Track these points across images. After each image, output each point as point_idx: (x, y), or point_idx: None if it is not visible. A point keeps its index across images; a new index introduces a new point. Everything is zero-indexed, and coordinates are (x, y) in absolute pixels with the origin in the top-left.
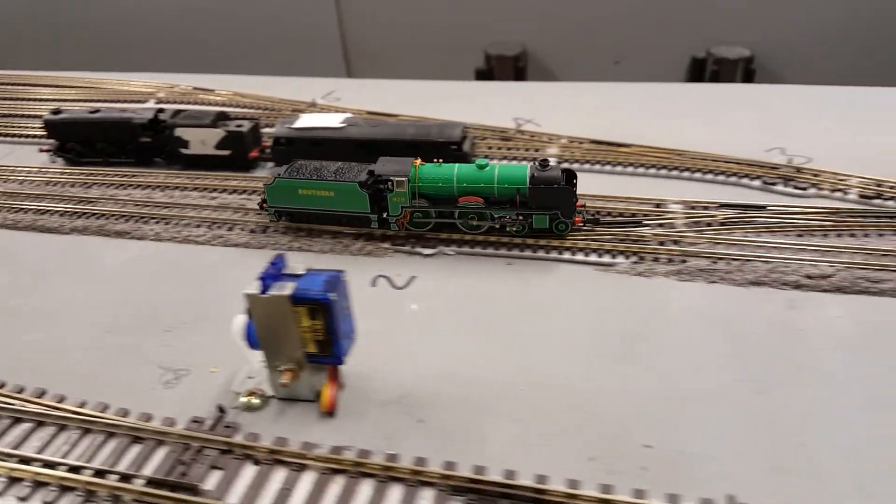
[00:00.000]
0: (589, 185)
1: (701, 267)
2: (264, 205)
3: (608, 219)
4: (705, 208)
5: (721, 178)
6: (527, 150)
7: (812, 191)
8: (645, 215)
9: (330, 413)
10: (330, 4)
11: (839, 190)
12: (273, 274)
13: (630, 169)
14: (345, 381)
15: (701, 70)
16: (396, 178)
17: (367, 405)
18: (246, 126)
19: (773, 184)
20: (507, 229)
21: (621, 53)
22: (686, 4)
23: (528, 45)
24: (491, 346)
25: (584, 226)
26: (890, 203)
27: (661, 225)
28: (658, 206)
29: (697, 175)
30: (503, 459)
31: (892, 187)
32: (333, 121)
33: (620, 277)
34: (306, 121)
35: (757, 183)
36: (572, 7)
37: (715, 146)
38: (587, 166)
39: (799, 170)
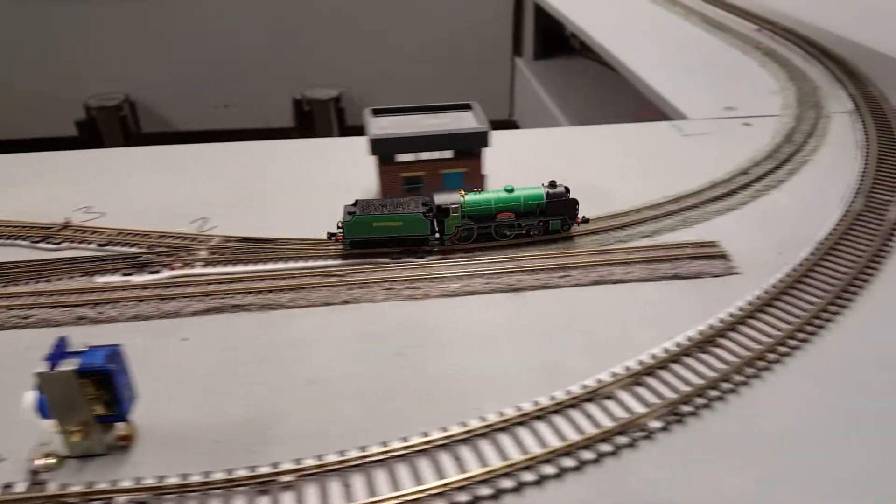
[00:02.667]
0: None
1: None
2: (339, 237)
3: None
4: None
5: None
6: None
7: (66, 244)
8: None
9: None
10: None
11: (85, 241)
12: None
13: None
14: None
15: (302, 110)
16: (452, 206)
17: None
18: None
19: (38, 241)
20: (530, 234)
21: (230, 98)
22: (283, 53)
23: (132, 94)
24: None
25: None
26: (126, 248)
27: None
28: None
29: None
30: None
31: (142, 235)
32: None
33: None
34: None
35: (26, 242)
36: (176, 55)
37: None
38: None
39: (64, 227)
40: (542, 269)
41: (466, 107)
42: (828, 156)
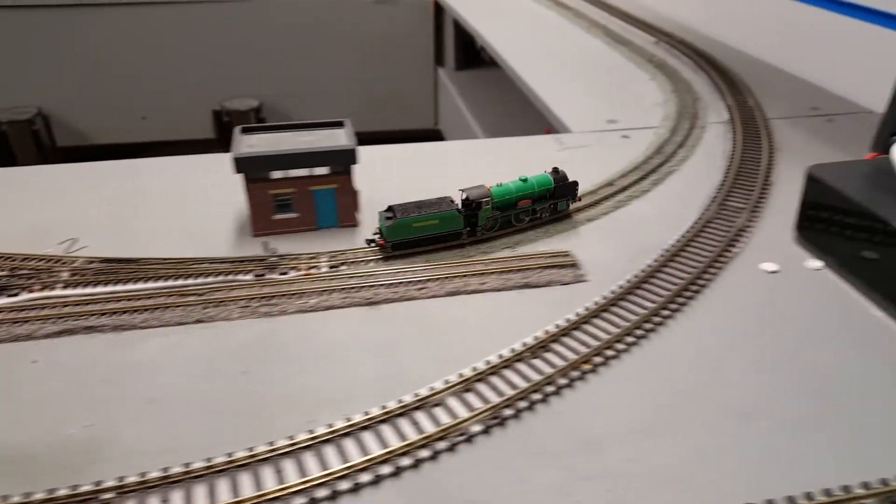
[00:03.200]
0: None
1: None
2: (380, 241)
3: None
4: None
5: None
6: None
7: None
8: None
9: None
10: None
11: None
12: None
13: None
14: None
15: (222, 121)
16: (484, 200)
17: None
18: None
19: None
20: (541, 216)
21: (148, 110)
22: (202, 63)
23: (45, 108)
24: None
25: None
26: None
27: None
28: None
29: None
30: None
31: (5, 258)
32: None
33: None
34: None
35: None
36: (91, 66)
37: None
38: None
39: None
40: (401, 283)
41: (339, 124)
42: (695, 166)
